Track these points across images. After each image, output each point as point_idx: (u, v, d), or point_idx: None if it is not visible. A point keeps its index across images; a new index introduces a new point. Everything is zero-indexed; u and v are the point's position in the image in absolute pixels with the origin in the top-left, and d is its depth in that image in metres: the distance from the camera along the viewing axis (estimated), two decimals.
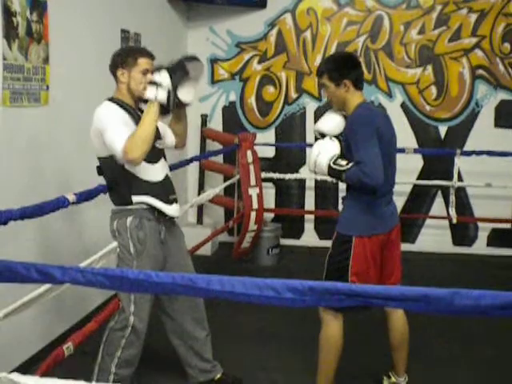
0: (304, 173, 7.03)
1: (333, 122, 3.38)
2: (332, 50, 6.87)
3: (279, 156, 7.19)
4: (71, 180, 4.27)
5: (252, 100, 7.15)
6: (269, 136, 7.09)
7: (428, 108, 6.88)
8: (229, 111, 7.21)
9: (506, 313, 1.30)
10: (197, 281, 1.41)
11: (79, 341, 3.21)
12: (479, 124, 6.82)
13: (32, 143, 3.94)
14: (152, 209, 3.24)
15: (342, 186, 7.01)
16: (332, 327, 3.33)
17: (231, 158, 6.74)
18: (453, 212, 6.44)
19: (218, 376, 3.67)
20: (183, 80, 3.10)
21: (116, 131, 3.03)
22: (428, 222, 7.04)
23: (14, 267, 1.59)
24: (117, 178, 3.20)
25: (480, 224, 6.96)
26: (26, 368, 3.69)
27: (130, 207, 3.20)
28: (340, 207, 7.11)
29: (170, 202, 3.31)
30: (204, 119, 6.96)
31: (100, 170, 3.28)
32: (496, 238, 6.97)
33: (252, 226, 6.35)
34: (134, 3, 5.58)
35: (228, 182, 6.48)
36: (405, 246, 6.89)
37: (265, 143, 6.87)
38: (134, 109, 3.25)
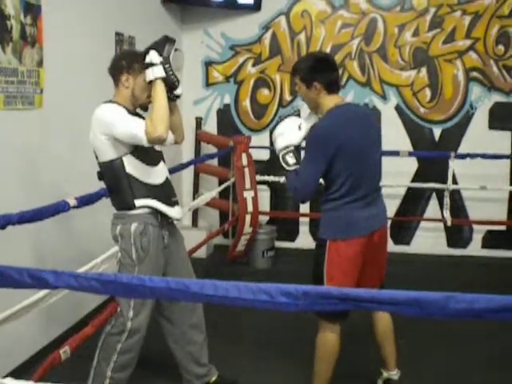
0: None
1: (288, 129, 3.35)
2: (326, 52, 6.86)
3: (274, 159, 7.16)
4: (66, 183, 4.26)
5: (246, 103, 7.15)
6: (263, 139, 7.08)
7: (422, 110, 6.89)
8: (223, 114, 7.21)
9: (500, 316, 1.30)
10: (190, 285, 1.40)
11: (76, 344, 3.20)
12: (473, 126, 6.82)
13: (26, 146, 3.93)
14: (155, 213, 3.22)
15: None
16: (328, 334, 3.32)
17: (226, 160, 6.74)
18: (447, 214, 6.45)
19: (214, 379, 3.66)
20: (171, 50, 3.09)
21: (129, 120, 3.03)
22: (423, 224, 7.05)
23: (7, 272, 1.59)
24: (118, 182, 3.16)
25: (475, 226, 6.97)
26: (22, 371, 3.69)
27: (133, 212, 3.18)
28: None
29: (171, 204, 3.30)
30: (198, 122, 6.95)
31: (101, 175, 3.25)
32: (491, 239, 6.97)
33: (247, 228, 6.35)
34: (129, 6, 5.58)
35: (223, 186, 6.47)
36: (400, 248, 7.00)
37: (259, 146, 6.87)
38: (134, 113, 3.22)
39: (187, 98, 6.59)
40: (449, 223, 6.48)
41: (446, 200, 6.47)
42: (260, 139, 7.02)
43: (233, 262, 6.49)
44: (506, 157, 6.62)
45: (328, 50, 6.86)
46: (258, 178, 6.69)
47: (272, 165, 7.12)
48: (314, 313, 3.26)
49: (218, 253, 6.98)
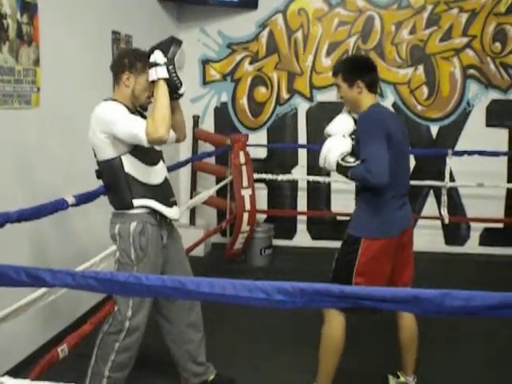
0: (296, 173, 7.04)
1: (340, 125, 3.40)
2: (323, 50, 6.88)
3: (271, 157, 7.19)
4: (63, 182, 4.25)
5: (244, 101, 7.15)
6: (261, 137, 7.09)
7: (419, 108, 6.89)
8: (220, 112, 7.20)
9: (496, 313, 1.30)
10: (186, 283, 1.40)
11: (74, 343, 3.18)
12: (471, 123, 6.83)
13: (23, 145, 3.93)
14: (154, 213, 3.21)
15: (335, 186, 7.03)
16: (334, 326, 3.33)
17: (223, 159, 6.74)
18: (445, 212, 6.45)
19: (212, 377, 3.66)
20: (176, 51, 3.09)
21: (130, 120, 3.00)
22: (420, 222, 7.04)
23: (4, 271, 1.59)
24: (117, 182, 3.15)
25: (472, 224, 6.98)
26: (20, 370, 3.68)
27: (132, 211, 3.17)
28: (332, 208, 7.14)
29: (170, 204, 3.29)
30: (196, 120, 6.95)
31: (99, 174, 3.24)
32: (488, 237, 6.98)
33: (245, 226, 6.35)
34: (125, 5, 5.57)
35: (221, 184, 6.47)
36: None
37: (257, 144, 6.87)
38: (133, 111, 3.20)
39: (184, 96, 6.53)
40: (446, 221, 6.48)
41: (444, 197, 6.47)
42: (257, 137, 7.02)
43: (231, 261, 6.49)
44: (503, 154, 6.61)
45: (325, 48, 6.88)
46: (256, 176, 6.69)
47: (269, 163, 7.13)
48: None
49: (215, 251, 6.99)
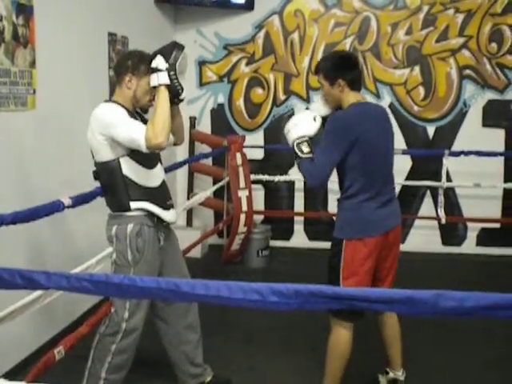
0: (293, 174, 7.04)
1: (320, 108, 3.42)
2: (320, 51, 6.88)
3: (268, 158, 7.19)
4: (59, 184, 4.25)
5: (240, 102, 7.15)
6: (257, 138, 7.09)
7: (416, 108, 6.90)
8: (217, 113, 7.20)
9: (490, 314, 1.30)
10: (181, 285, 1.40)
11: (70, 344, 3.19)
12: (467, 124, 6.84)
13: (19, 147, 3.92)
14: (151, 215, 3.20)
15: (331, 187, 7.05)
16: (341, 335, 3.33)
17: (220, 160, 6.74)
18: (442, 212, 6.46)
19: (209, 379, 3.66)
20: (179, 57, 3.07)
21: (129, 123, 2.98)
22: (417, 222, 7.06)
23: None
24: (114, 184, 3.13)
25: (469, 224, 6.99)
26: (16, 372, 3.68)
27: (129, 213, 3.16)
28: (329, 209, 7.14)
29: (167, 207, 3.28)
30: (192, 122, 6.94)
31: (96, 175, 3.22)
32: (485, 237, 7.00)
33: (242, 228, 6.34)
34: (121, 6, 5.57)
35: (218, 185, 6.47)
36: None
37: (254, 145, 6.87)
38: (134, 113, 3.19)
39: None
40: (443, 221, 6.49)
41: (441, 198, 6.48)
42: (254, 138, 7.02)
43: (228, 262, 6.49)
44: (500, 154, 6.63)
45: (321, 49, 6.88)
46: (253, 177, 6.69)
47: (266, 164, 7.13)
48: (327, 312, 3.30)
49: (212, 252, 6.98)
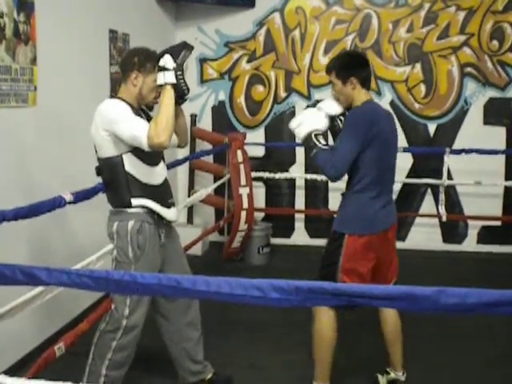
0: (294, 172, 7.05)
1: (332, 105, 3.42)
2: (321, 48, 6.88)
3: (269, 155, 7.19)
4: (60, 181, 4.24)
5: (241, 99, 7.14)
6: (258, 135, 7.09)
7: (417, 106, 6.89)
8: (218, 111, 7.20)
9: (491, 310, 1.30)
10: (182, 282, 1.40)
11: (71, 341, 3.19)
12: (468, 122, 6.83)
13: (20, 144, 3.92)
14: (152, 212, 3.20)
15: (332, 184, 7.02)
16: (324, 322, 3.34)
17: (221, 157, 6.73)
18: (443, 210, 6.46)
19: (209, 376, 3.66)
20: (187, 57, 3.08)
21: (133, 121, 2.97)
22: (418, 219, 7.05)
23: None
24: (116, 180, 3.13)
25: (470, 222, 6.98)
26: (17, 369, 3.68)
27: (130, 210, 3.15)
28: (330, 206, 7.14)
29: (168, 205, 3.28)
30: (193, 119, 6.94)
31: (99, 171, 3.22)
32: (486, 235, 6.99)
33: (242, 225, 6.34)
34: (122, 3, 5.56)
35: (218, 182, 6.47)
36: None
37: (255, 143, 6.86)
38: (138, 110, 3.19)
39: None
40: (444, 219, 6.49)
41: (441, 196, 6.48)
42: (255, 136, 7.02)
43: (228, 259, 6.49)
44: (501, 152, 6.62)
45: (322, 47, 6.88)
46: (254, 174, 6.69)
47: (267, 161, 7.13)
48: None
49: (213, 250, 6.98)
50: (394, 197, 6.82)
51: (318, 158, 3.23)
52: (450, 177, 6.64)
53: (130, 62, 3.15)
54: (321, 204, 7.17)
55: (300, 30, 6.92)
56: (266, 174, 6.82)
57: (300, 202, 7.24)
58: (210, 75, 7.17)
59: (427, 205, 7.00)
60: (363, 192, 3.25)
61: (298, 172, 7.06)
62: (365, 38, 6.84)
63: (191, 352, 3.56)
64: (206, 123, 7.15)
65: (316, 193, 7.13)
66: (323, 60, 6.85)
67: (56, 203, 3.13)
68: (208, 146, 6.83)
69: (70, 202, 3.24)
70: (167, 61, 3.04)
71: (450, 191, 6.85)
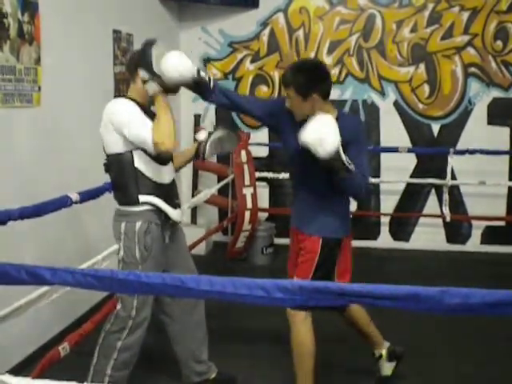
0: None
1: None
2: (325, 48, 6.88)
3: (273, 155, 7.18)
4: (64, 180, 4.25)
5: None
6: (262, 135, 7.08)
7: (421, 106, 6.89)
8: (222, 111, 7.19)
9: (494, 311, 1.30)
10: (186, 281, 1.41)
11: (75, 341, 3.20)
12: (472, 122, 6.82)
13: (24, 144, 3.93)
14: (159, 212, 3.20)
15: None
16: (302, 332, 3.31)
17: (225, 157, 6.74)
18: (446, 210, 6.45)
19: (213, 376, 3.66)
20: (153, 56, 3.05)
21: (141, 124, 2.99)
22: (422, 220, 7.05)
23: (4, 269, 1.59)
24: (125, 176, 3.14)
25: (474, 222, 6.97)
26: (21, 368, 3.69)
27: (136, 209, 3.15)
28: None
29: (174, 206, 3.29)
30: (197, 119, 6.94)
31: (107, 167, 3.23)
32: (490, 235, 6.98)
33: (246, 225, 6.35)
34: (126, 4, 5.57)
35: (222, 182, 6.47)
36: (399, 244, 7.02)
37: (258, 143, 6.86)
38: (147, 109, 3.20)
39: (186, 95, 6.58)
40: (448, 219, 6.48)
41: (445, 196, 6.47)
42: (259, 136, 7.01)
43: (232, 259, 6.49)
44: (505, 152, 6.62)
45: (326, 47, 6.87)
46: (257, 174, 6.69)
47: (271, 161, 7.13)
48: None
49: (217, 250, 6.99)
50: (398, 197, 6.92)
51: (350, 179, 2.95)
52: (453, 177, 6.62)
53: (136, 61, 3.15)
54: None
55: (304, 30, 6.93)
56: (270, 174, 6.82)
57: None
58: (213, 75, 7.16)
59: (431, 205, 6.99)
60: (342, 195, 3.24)
61: None
62: (369, 38, 6.84)
63: (196, 352, 3.57)
64: (209, 123, 7.15)
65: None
66: (327, 60, 6.86)
67: (62, 203, 3.14)
68: None
69: (76, 202, 3.24)
70: (143, 74, 3.06)
71: (454, 191, 6.83)
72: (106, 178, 3.39)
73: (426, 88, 6.85)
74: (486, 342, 4.39)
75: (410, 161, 6.90)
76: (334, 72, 6.88)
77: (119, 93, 5.08)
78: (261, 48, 7.04)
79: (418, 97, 6.87)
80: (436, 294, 1.32)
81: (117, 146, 3.09)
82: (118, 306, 3.23)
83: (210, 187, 6.18)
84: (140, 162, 3.11)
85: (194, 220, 7.10)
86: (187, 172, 6.97)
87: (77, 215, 4.29)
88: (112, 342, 3.23)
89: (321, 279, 3.18)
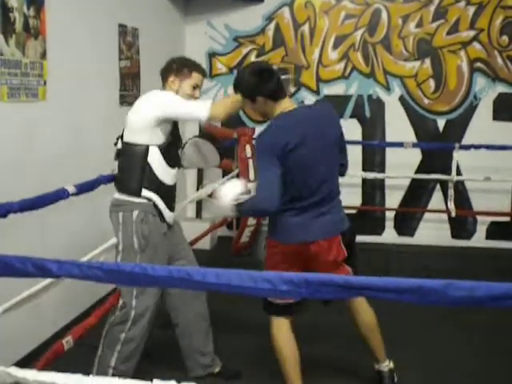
0: None
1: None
2: (330, 43, 6.87)
3: None
4: (70, 174, 4.25)
5: None
6: None
7: (426, 101, 6.88)
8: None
9: (499, 303, 1.30)
10: (193, 274, 1.41)
11: (79, 334, 3.21)
12: (477, 117, 6.82)
13: (30, 138, 3.94)
14: (155, 207, 3.28)
15: (341, 180, 7.04)
16: (281, 338, 3.32)
17: (230, 152, 6.73)
18: (451, 205, 6.44)
19: (217, 370, 3.68)
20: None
21: (185, 100, 3.24)
22: (427, 215, 7.05)
23: (10, 261, 1.59)
24: (134, 166, 3.23)
25: (479, 217, 6.97)
26: (26, 362, 3.70)
27: (135, 200, 3.23)
28: None
29: (170, 208, 3.38)
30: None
31: (118, 153, 3.32)
32: (495, 231, 6.97)
33: (251, 220, 6.35)
34: None
35: (227, 177, 6.47)
36: (404, 240, 7.02)
37: None
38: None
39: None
40: (453, 214, 6.47)
41: (450, 191, 6.45)
42: None
43: (237, 254, 6.50)
44: (511, 148, 6.60)
45: (332, 41, 6.87)
46: None
47: None
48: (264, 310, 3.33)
49: (222, 244, 6.99)
50: (403, 192, 6.91)
51: (245, 209, 3.18)
52: (458, 172, 6.62)
53: (169, 68, 3.37)
54: None
55: (309, 25, 6.92)
56: None
57: None
58: (219, 70, 7.18)
59: (436, 200, 6.99)
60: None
61: None
62: (374, 33, 6.83)
63: (200, 344, 3.60)
64: None
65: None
66: (332, 55, 6.86)
67: (59, 195, 3.18)
68: None
69: (73, 194, 3.27)
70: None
71: (459, 187, 6.82)
72: (109, 170, 3.45)
73: (432, 83, 6.85)
74: (491, 338, 4.40)
75: (415, 156, 6.89)
76: (340, 67, 6.89)
77: (124, 87, 5.09)
78: (266, 43, 7.04)
79: (424, 92, 6.86)
80: (441, 286, 1.32)
81: (139, 137, 3.19)
82: (121, 299, 3.27)
83: (215, 182, 6.19)
84: (152, 158, 3.22)
85: (198, 214, 7.11)
86: None
87: (74, 207, 4.30)
88: (116, 334, 3.27)
89: None
